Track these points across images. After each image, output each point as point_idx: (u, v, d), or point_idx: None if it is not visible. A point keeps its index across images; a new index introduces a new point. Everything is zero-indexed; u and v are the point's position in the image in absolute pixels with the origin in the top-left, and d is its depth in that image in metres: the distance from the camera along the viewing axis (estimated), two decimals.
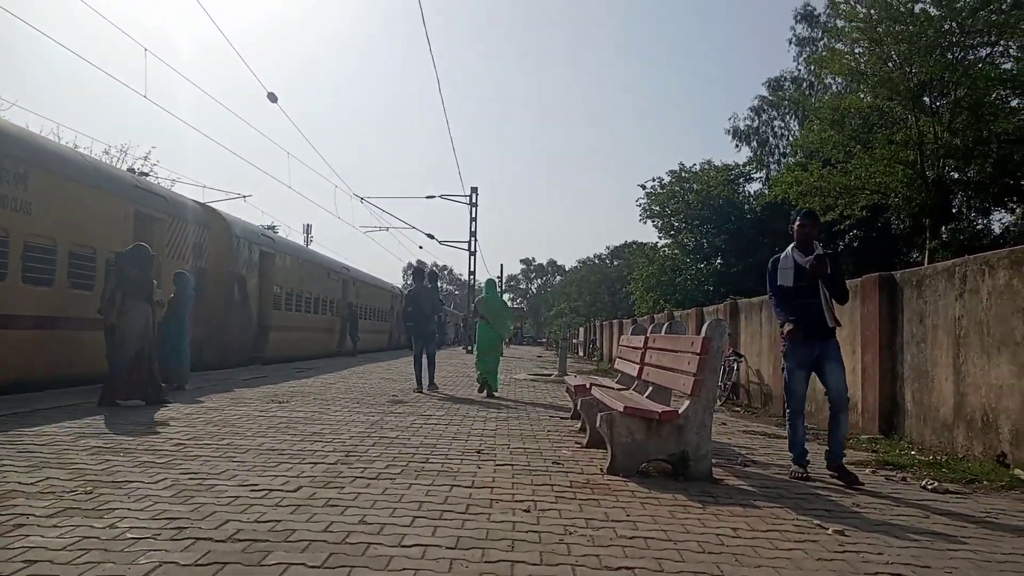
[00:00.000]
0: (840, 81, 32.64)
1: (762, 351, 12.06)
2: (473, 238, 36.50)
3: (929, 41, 23.81)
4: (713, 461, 5.51)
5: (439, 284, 15.00)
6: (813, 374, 5.83)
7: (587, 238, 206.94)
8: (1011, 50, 24.79)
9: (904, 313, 7.98)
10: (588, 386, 7.52)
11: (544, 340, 74.05)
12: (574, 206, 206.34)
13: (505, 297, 28.28)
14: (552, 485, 4.95)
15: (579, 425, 7.84)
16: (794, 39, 41.69)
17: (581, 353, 39.00)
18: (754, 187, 40.10)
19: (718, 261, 36.77)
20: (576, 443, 6.90)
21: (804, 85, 41.69)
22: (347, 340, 27.40)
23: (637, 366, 7.35)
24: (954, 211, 29.78)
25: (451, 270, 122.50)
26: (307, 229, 56.61)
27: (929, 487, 5.44)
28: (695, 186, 37.59)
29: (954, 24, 23.71)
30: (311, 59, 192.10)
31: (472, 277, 38.27)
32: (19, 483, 4.46)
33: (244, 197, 29.69)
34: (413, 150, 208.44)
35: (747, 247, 34.09)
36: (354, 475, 5.05)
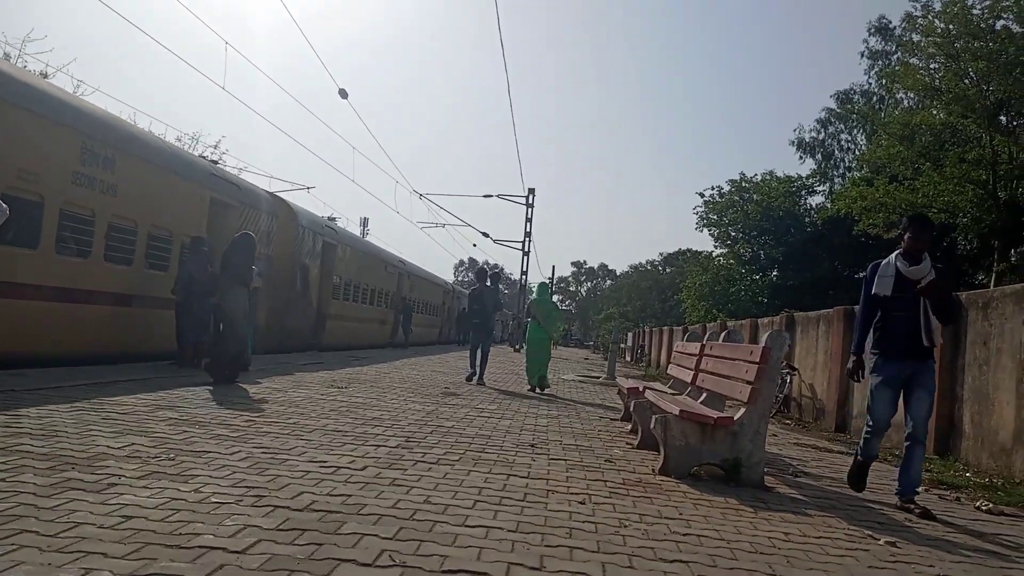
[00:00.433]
0: (912, 96, 31.84)
1: (816, 365, 11.96)
2: (528, 238, 36.74)
3: (1010, 59, 23.08)
4: (765, 470, 5.58)
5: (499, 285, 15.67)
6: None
7: (640, 243, 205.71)
8: None
9: (968, 335, 7.88)
10: (641, 389, 7.63)
11: (591, 343, 73.80)
12: (628, 211, 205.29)
13: (555, 299, 28.43)
14: (605, 481, 5.09)
15: (630, 427, 7.95)
16: (867, 52, 40.81)
17: (628, 358, 38.87)
18: (816, 200, 39.43)
19: (774, 273, 36.20)
20: (627, 443, 7.02)
21: (874, 99, 40.75)
22: (399, 332, 27.91)
23: (691, 372, 7.44)
24: None
25: (501, 268, 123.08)
26: (364, 222, 57.45)
27: (984, 508, 5.41)
28: (755, 196, 37.06)
29: None
30: (381, 52, 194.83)
31: (524, 277, 38.51)
32: (108, 447, 4.79)
33: (308, 189, 30.51)
34: (473, 148, 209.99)
35: (805, 261, 33.54)
36: (415, 459, 5.27)
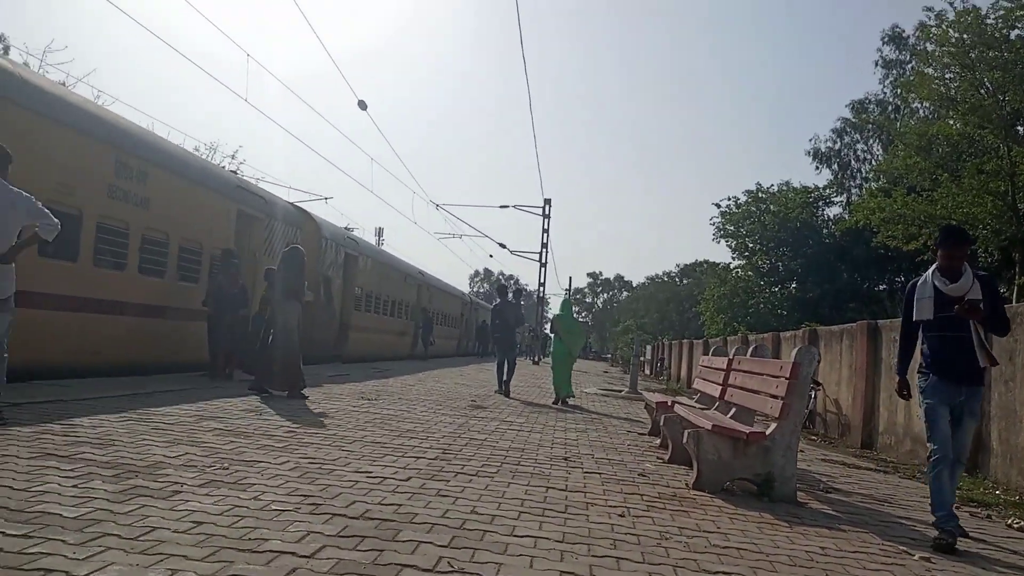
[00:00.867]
0: (928, 106, 31.79)
1: (841, 380, 12.02)
2: (545, 249, 36.89)
3: None
4: (796, 485, 5.68)
5: (521, 300, 16.02)
6: None
7: (656, 255, 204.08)
8: None
9: (993, 350, 7.92)
10: (670, 403, 7.75)
11: (609, 356, 73.66)
12: (644, 222, 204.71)
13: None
14: (641, 495, 5.22)
15: (659, 441, 8.06)
16: (881, 61, 40.87)
17: (648, 372, 38.87)
18: (834, 211, 39.33)
19: (793, 286, 36.09)
20: (658, 457, 7.14)
21: (889, 108, 40.70)
22: (419, 344, 28.11)
23: (719, 387, 7.54)
24: None
25: (517, 279, 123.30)
26: (379, 232, 57.67)
27: (1015, 525, 5.49)
28: (772, 207, 36.96)
29: None
30: (402, 66, 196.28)
31: (541, 288, 38.62)
32: (164, 456, 4.98)
33: (326, 199, 30.83)
34: (491, 158, 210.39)
35: (824, 273, 33.44)
36: (455, 470, 5.43)
